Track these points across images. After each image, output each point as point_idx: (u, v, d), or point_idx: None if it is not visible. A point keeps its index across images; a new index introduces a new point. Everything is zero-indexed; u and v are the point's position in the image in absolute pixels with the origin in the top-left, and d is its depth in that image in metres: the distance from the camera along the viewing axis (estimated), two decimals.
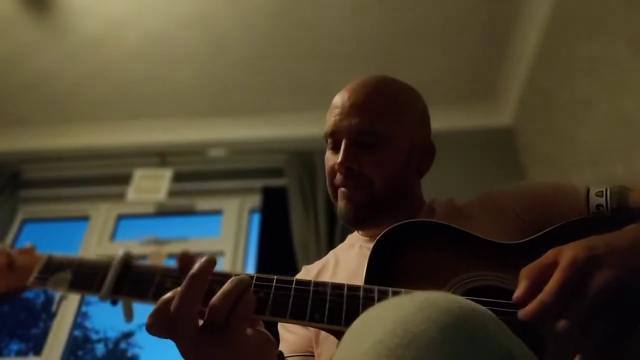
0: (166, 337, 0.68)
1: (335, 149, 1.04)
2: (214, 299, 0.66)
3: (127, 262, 0.77)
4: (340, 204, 1.02)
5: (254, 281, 0.73)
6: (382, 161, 1.00)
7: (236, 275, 0.71)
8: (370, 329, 0.50)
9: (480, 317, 0.51)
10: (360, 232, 1.13)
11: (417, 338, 0.46)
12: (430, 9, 2.71)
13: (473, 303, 0.53)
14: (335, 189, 1.04)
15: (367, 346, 0.48)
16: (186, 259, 0.75)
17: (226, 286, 0.68)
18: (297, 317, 0.70)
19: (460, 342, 0.47)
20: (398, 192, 1.02)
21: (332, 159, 1.04)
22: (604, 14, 2.22)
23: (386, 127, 1.01)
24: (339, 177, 1.02)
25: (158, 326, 0.67)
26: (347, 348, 0.51)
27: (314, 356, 1.00)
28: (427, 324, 0.47)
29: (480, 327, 0.49)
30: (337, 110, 1.04)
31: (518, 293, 0.65)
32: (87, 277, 0.77)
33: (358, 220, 1.02)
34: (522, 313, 0.63)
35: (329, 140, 1.06)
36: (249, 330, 0.71)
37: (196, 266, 0.68)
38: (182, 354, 0.68)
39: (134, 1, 2.66)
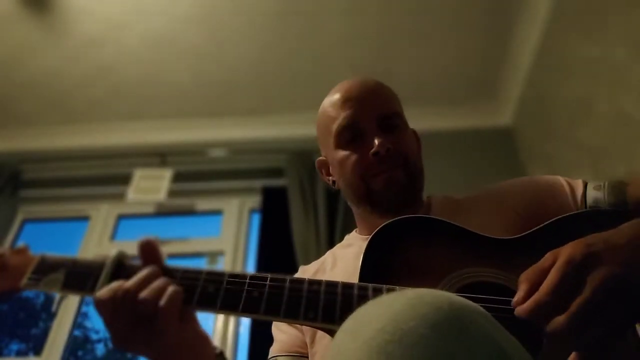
0: (106, 320, 0.70)
1: (355, 141, 1.02)
2: (143, 292, 0.69)
3: (120, 261, 0.77)
4: (384, 190, 0.99)
5: (247, 280, 0.72)
6: (409, 140, 1.05)
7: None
8: (361, 326, 0.51)
9: (471, 313, 0.51)
10: (358, 230, 1.13)
11: (407, 335, 0.46)
12: (430, 10, 2.71)
13: (464, 300, 0.53)
14: (365, 181, 1.01)
15: (358, 344, 0.48)
16: (148, 248, 0.76)
17: (156, 282, 0.70)
18: (291, 315, 0.70)
19: (451, 338, 0.47)
20: (422, 175, 1.06)
21: (355, 153, 1.01)
22: (604, 14, 2.22)
23: (400, 111, 1.07)
24: (373, 163, 0.99)
25: (106, 305, 0.69)
26: (339, 346, 0.52)
27: (303, 356, 1.00)
28: (417, 320, 0.48)
29: (471, 323, 0.49)
30: (350, 103, 1.03)
31: (517, 297, 0.65)
32: (80, 278, 0.76)
33: (403, 201, 0.99)
34: (518, 311, 0.63)
35: (345, 134, 1.03)
36: (181, 327, 0.72)
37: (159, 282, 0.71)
38: (115, 343, 0.71)
39: (134, 1, 2.67)
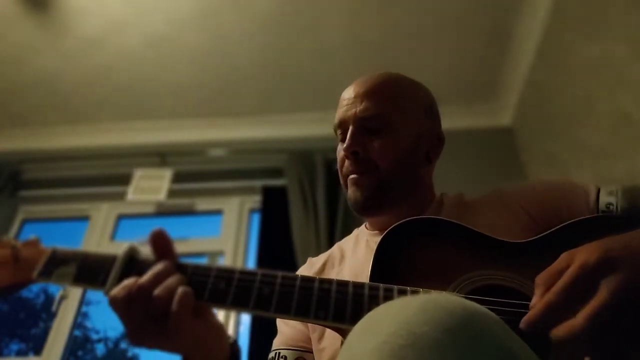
0: (122, 317, 0.70)
1: (344, 140, 1.03)
2: (157, 290, 0.69)
3: (132, 256, 0.77)
4: (350, 191, 1.02)
5: (258, 277, 0.72)
6: (388, 145, 1.00)
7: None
8: (373, 329, 0.50)
9: (484, 319, 0.51)
10: (367, 225, 1.13)
11: (420, 339, 0.46)
12: (430, 10, 2.71)
13: (477, 305, 0.53)
14: (345, 178, 1.04)
15: (370, 347, 0.48)
16: (161, 241, 0.76)
17: (170, 280, 0.70)
18: (302, 314, 0.69)
19: (463, 343, 0.47)
20: (406, 178, 1.02)
21: (341, 150, 1.04)
22: (603, 14, 2.23)
23: (391, 112, 1.02)
24: (347, 164, 1.02)
25: (121, 302, 0.69)
26: (351, 348, 0.51)
27: (306, 351, 1.01)
28: (430, 324, 0.47)
29: (484, 329, 0.49)
30: (344, 102, 1.05)
31: (534, 301, 0.64)
32: (91, 271, 0.76)
33: (368, 207, 1.00)
34: (528, 315, 0.62)
35: (338, 133, 1.07)
36: (195, 323, 0.71)
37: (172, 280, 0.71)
38: (130, 339, 0.70)
39: (135, 2, 2.66)
